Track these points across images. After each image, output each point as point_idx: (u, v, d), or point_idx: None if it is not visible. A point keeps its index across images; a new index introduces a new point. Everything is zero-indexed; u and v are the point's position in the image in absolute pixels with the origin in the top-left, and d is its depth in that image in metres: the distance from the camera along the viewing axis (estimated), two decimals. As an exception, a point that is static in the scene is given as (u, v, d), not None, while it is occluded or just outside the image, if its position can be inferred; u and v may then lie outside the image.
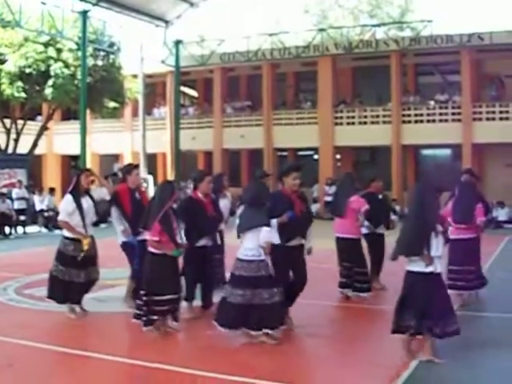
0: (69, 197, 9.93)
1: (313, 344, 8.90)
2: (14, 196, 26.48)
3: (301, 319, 9.45)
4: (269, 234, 8.32)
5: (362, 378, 7.18)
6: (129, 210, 10.23)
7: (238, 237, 8.41)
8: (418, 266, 7.52)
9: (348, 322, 10.21)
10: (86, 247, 9.78)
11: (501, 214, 28.85)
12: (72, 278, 9.86)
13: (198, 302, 10.17)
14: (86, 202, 9.98)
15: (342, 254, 11.47)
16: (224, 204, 11.19)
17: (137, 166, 10.84)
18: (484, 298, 11.62)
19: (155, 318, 8.78)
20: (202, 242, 9.84)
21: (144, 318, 8.78)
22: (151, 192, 33.31)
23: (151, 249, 8.88)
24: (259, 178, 11.13)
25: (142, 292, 8.83)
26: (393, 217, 12.48)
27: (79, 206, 9.85)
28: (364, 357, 8.05)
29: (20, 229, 26.02)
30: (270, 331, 8.30)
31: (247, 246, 8.32)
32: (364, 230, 12.02)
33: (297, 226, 8.92)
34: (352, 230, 11.41)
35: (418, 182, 8.45)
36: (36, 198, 27.99)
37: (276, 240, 8.59)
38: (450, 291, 9.91)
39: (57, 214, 25.49)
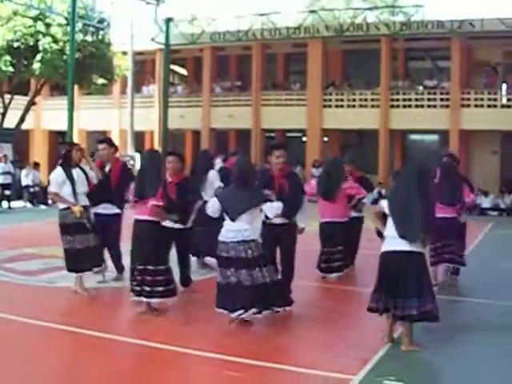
0: (59, 169, 9.96)
1: (291, 324, 8.95)
2: (-1, 170, 26.43)
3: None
4: (275, 210, 8.35)
5: (337, 358, 7.22)
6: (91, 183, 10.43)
7: (233, 220, 8.17)
8: (404, 246, 7.52)
9: (326, 303, 10.26)
10: (78, 215, 9.80)
11: (485, 202, 29.00)
12: (82, 244, 9.90)
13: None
14: (77, 174, 9.99)
15: (329, 238, 11.48)
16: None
17: (101, 141, 10.85)
18: (463, 283, 11.70)
19: (150, 289, 8.73)
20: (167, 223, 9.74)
21: (137, 289, 8.78)
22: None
23: (147, 217, 8.78)
24: (233, 155, 11.26)
25: (138, 263, 8.81)
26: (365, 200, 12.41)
27: (70, 177, 9.86)
28: (341, 337, 8.12)
29: (5, 203, 25.98)
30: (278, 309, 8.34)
31: (241, 227, 8.13)
32: (352, 213, 12.04)
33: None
34: (343, 213, 11.51)
35: (412, 165, 8.36)
36: (22, 173, 27.95)
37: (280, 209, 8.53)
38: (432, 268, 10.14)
39: (42, 188, 25.69)
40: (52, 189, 9.92)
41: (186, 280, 10.16)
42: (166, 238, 9.08)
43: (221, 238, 8.27)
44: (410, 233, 7.50)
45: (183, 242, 9.81)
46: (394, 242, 7.56)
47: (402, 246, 7.50)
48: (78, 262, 9.87)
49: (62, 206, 9.91)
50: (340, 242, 11.49)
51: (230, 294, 8.16)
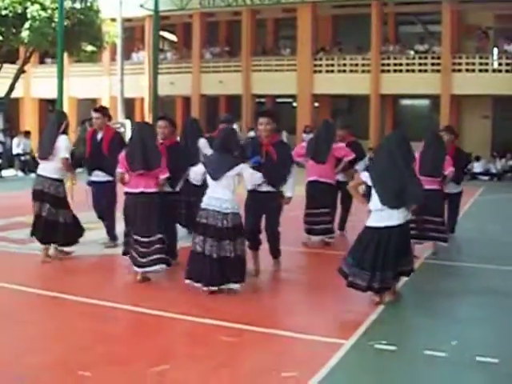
0: (65, 136, 10.10)
1: (282, 289, 9.05)
2: (-12, 139, 26.37)
3: (269, 265, 9.60)
4: (255, 176, 8.42)
5: (329, 322, 7.33)
6: (88, 151, 10.76)
7: (215, 179, 8.24)
8: (397, 219, 7.61)
9: (316, 269, 10.37)
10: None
11: (476, 166, 29.10)
12: (58, 217, 10.03)
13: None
14: None
15: (313, 197, 11.51)
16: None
17: (96, 110, 11.02)
18: (451, 247, 11.78)
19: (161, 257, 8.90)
20: None
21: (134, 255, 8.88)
22: (128, 136, 33.24)
23: (151, 189, 8.86)
24: (221, 122, 11.26)
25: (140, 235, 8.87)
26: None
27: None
28: (332, 302, 8.22)
29: (-5, 172, 26.00)
30: (233, 286, 8.31)
31: (222, 197, 8.22)
32: (340, 178, 12.06)
33: (263, 172, 8.88)
34: (330, 175, 11.52)
35: (393, 135, 8.39)
36: (14, 142, 27.87)
37: (261, 178, 8.61)
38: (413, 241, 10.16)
39: (33, 157, 25.62)
40: (66, 155, 9.99)
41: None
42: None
43: (203, 205, 8.37)
44: (395, 200, 7.57)
45: (169, 205, 9.73)
46: (380, 216, 7.62)
47: (388, 220, 7.57)
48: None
49: (58, 176, 9.96)
50: (324, 204, 11.52)
51: (198, 264, 8.24)
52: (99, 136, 10.82)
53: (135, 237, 8.84)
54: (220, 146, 8.49)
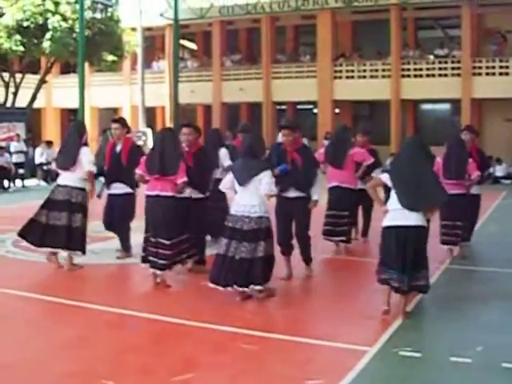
0: (88, 148, 10.23)
1: (305, 296, 9.05)
2: (12, 149, 26.52)
3: (299, 272, 9.62)
4: (270, 186, 8.40)
5: (352, 329, 7.29)
6: (107, 163, 10.72)
7: (242, 185, 8.36)
8: (407, 220, 7.58)
9: (340, 275, 10.34)
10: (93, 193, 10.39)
11: (498, 170, 28.88)
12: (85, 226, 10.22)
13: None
14: None
15: (334, 202, 11.50)
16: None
17: (115, 121, 11.02)
18: (476, 252, 11.76)
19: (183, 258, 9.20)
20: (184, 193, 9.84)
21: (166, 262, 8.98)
22: (150, 145, 33.36)
23: (170, 193, 8.98)
24: (240, 131, 11.35)
25: (167, 238, 8.95)
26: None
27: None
28: (356, 309, 8.19)
29: (19, 182, 26.14)
30: (257, 287, 8.32)
31: (250, 202, 8.32)
32: (360, 185, 12.05)
33: (290, 178, 9.01)
34: (351, 180, 11.50)
35: (413, 138, 8.44)
36: (36, 152, 28.07)
37: (274, 191, 8.64)
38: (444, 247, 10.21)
39: (55, 167, 25.76)
40: (92, 167, 10.11)
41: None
42: (185, 209, 9.33)
43: (232, 211, 8.54)
44: (414, 202, 7.56)
45: (200, 210, 9.87)
46: (396, 215, 7.61)
47: (405, 220, 7.55)
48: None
49: (82, 185, 10.06)
50: (345, 208, 11.51)
51: (224, 268, 8.30)
52: (118, 148, 10.79)
53: (153, 239, 8.94)
54: (246, 152, 8.58)
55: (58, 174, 10.51)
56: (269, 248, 8.41)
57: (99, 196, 10.98)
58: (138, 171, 9.22)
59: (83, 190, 10.10)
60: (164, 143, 9.10)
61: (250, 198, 8.34)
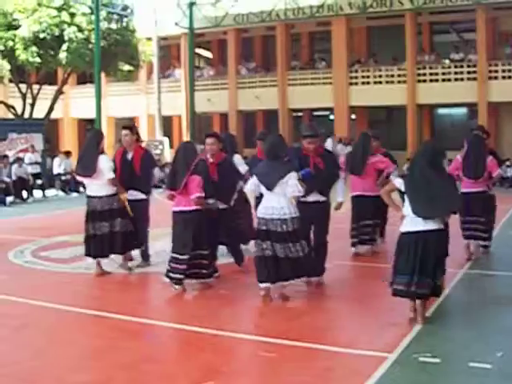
0: (106, 156, 10.33)
1: (322, 303, 9.03)
2: (26, 161, 26.64)
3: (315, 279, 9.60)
4: (297, 188, 8.44)
5: (372, 336, 7.27)
6: (117, 170, 10.61)
7: (270, 189, 8.44)
8: (424, 225, 7.55)
9: (359, 281, 10.32)
10: (125, 195, 10.50)
11: (516, 173, 28.66)
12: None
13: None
14: None
15: (359, 212, 11.58)
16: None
17: (125, 128, 11.01)
18: (494, 256, 11.71)
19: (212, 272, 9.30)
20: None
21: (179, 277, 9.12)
22: (167, 154, 33.52)
23: (190, 207, 9.08)
24: (258, 139, 11.41)
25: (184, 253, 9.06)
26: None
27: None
28: (375, 315, 8.14)
29: (37, 193, 26.28)
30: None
31: (277, 205, 8.41)
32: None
33: (313, 182, 9.04)
34: (373, 188, 11.46)
35: (426, 145, 8.42)
36: (55, 162, 28.24)
37: (301, 192, 8.67)
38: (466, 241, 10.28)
39: (73, 176, 25.96)
40: (112, 174, 10.19)
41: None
42: (210, 221, 9.44)
43: (260, 214, 8.61)
44: (427, 211, 7.53)
45: (226, 220, 9.95)
46: (414, 220, 7.58)
47: (424, 224, 7.52)
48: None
49: (112, 191, 10.22)
50: (369, 216, 11.59)
51: (269, 266, 8.44)
52: (129, 155, 10.77)
53: (173, 255, 9.10)
54: (269, 154, 8.66)
55: (77, 183, 10.63)
56: (308, 246, 8.69)
57: None
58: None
59: (114, 195, 10.27)
60: (176, 157, 9.33)
61: (277, 200, 8.43)
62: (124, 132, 10.88)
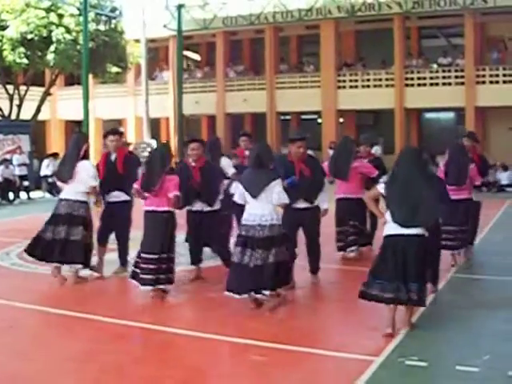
0: (89, 162, 10.16)
1: (311, 307, 9.02)
2: (14, 162, 26.56)
3: (299, 282, 9.58)
4: (282, 196, 8.43)
5: (359, 340, 7.24)
6: (101, 173, 10.45)
7: (254, 197, 8.37)
8: (415, 229, 7.52)
9: (347, 285, 10.28)
10: (100, 205, 10.39)
11: (503, 178, 28.74)
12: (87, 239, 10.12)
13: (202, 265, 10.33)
14: None
15: (344, 214, 11.54)
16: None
17: (114, 133, 10.76)
18: (480, 261, 11.74)
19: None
20: (196, 207, 9.91)
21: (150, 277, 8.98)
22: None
23: (165, 208, 9.04)
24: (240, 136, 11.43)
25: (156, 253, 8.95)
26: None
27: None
28: (362, 319, 8.12)
29: (23, 194, 26.18)
30: (266, 292, 8.34)
31: (261, 211, 8.36)
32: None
33: (299, 190, 9.04)
34: (357, 190, 11.46)
35: (409, 150, 8.37)
36: (44, 164, 28.15)
37: (287, 200, 8.63)
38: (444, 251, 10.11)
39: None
40: (95, 182, 10.03)
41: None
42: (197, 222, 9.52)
43: (243, 221, 8.56)
44: (409, 219, 7.46)
45: (211, 224, 9.88)
46: (394, 225, 7.53)
47: (406, 229, 7.45)
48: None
49: (85, 198, 10.06)
50: (353, 218, 11.54)
51: (239, 276, 8.32)
52: (113, 157, 10.61)
53: (142, 255, 9.01)
54: (255, 162, 8.61)
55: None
56: (281, 254, 8.42)
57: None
58: (135, 186, 9.30)
59: (84, 202, 10.02)
60: (152, 158, 9.36)
61: (261, 207, 8.37)
62: (113, 138, 10.60)
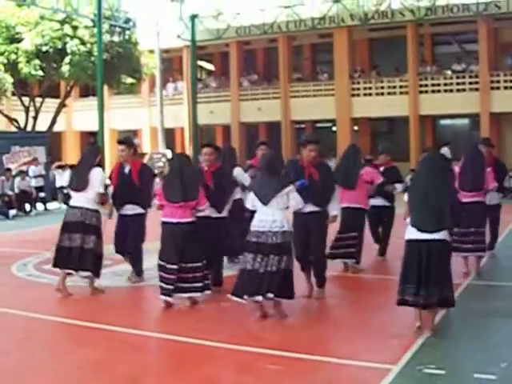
0: (100, 169, 10.10)
1: (324, 314, 9.02)
2: (30, 174, 26.69)
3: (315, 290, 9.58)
4: (299, 200, 8.49)
5: (375, 348, 7.23)
6: (114, 184, 10.55)
7: (265, 204, 8.38)
8: (436, 234, 7.54)
9: (359, 293, 10.27)
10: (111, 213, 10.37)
11: (519, 183, 28.50)
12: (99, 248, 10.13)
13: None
14: None
15: (344, 223, 11.48)
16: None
17: (120, 143, 10.79)
18: (498, 267, 11.68)
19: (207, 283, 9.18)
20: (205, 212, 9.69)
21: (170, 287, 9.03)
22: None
23: (190, 219, 9.08)
24: (257, 146, 11.40)
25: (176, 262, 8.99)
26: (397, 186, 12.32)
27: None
28: (378, 327, 8.10)
29: (40, 205, 26.29)
30: (270, 295, 8.30)
31: (272, 218, 8.34)
32: (375, 202, 12.06)
33: (308, 193, 9.02)
34: (362, 200, 11.47)
35: (430, 156, 8.40)
36: (58, 175, 28.27)
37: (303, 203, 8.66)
38: (455, 254, 10.08)
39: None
40: (102, 189, 10.02)
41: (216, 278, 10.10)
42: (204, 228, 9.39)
43: (253, 227, 8.51)
44: (425, 224, 7.52)
45: (218, 230, 9.82)
46: (414, 230, 7.60)
47: (428, 234, 7.52)
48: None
49: (96, 207, 10.05)
50: (353, 229, 11.41)
51: (247, 281, 8.32)
52: (127, 169, 10.60)
53: (168, 266, 9.01)
54: (266, 169, 8.60)
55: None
56: (290, 263, 8.45)
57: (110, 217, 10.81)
58: (157, 201, 9.34)
59: (96, 211, 10.02)
60: (183, 169, 9.20)
61: (271, 213, 8.36)
62: (120, 147, 10.67)
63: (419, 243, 7.56)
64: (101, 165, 10.25)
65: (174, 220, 9.04)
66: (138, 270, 10.88)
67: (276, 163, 8.67)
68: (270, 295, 8.23)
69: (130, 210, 10.55)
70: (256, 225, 8.47)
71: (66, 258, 9.91)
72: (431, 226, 7.53)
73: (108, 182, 10.58)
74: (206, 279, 9.16)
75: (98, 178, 9.95)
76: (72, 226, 9.92)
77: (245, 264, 8.43)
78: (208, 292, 9.19)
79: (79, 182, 10.03)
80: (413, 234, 7.65)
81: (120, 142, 10.82)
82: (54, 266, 10.13)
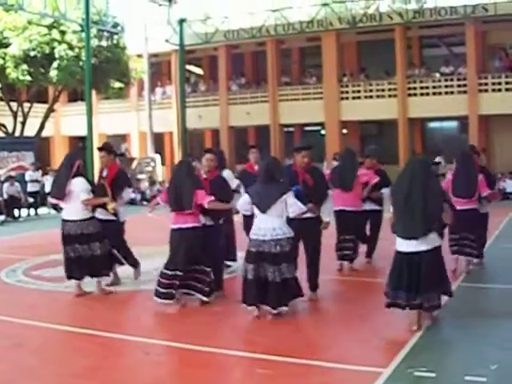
0: (81, 178, 10.06)
1: (316, 318, 8.99)
2: (27, 178, 26.65)
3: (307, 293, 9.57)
4: (299, 206, 8.47)
5: (366, 351, 7.23)
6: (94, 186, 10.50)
7: (263, 212, 8.40)
8: (425, 245, 7.57)
9: (350, 296, 10.26)
10: (112, 205, 10.26)
11: (509, 186, 28.65)
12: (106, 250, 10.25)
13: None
14: None
15: (344, 225, 11.55)
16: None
17: (100, 149, 10.85)
18: (487, 269, 11.69)
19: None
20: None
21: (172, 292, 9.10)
22: (159, 171, 33.52)
23: (193, 223, 9.10)
24: (250, 148, 11.44)
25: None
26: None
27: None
28: (368, 330, 8.10)
29: (32, 211, 26.25)
30: (285, 308, 8.41)
31: (271, 225, 8.35)
32: (368, 206, 12.08)
33: (302, 199, 9.02)
34: (355, 202, 11.57)
35: (412, 161, 8.43)
36: (47, 180, 28.21)
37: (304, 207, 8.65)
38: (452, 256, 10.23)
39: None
40: (86, 196, 9.95)
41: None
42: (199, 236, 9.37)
43: (252, 235, 8.53)
44: (407, 231, 7.54)
45: (213, 238, 9.73)
46: (402, 240, 7.63)
47: (416, 245, 7.53)
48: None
49: (85, 216, 10.03)
50: (350, 231, 11.58)
51: (257, 289, 8.35)
52: (104, 173, 10.68)
53: (163, 270, 9.07)
54: (265, 176, 8.59)
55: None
56: (293, 270, 8.55)
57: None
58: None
59: (90, 219, 10.06)
60: (177, 178, 9.28)
61: (271, 221, 8.37)
62: (100, 154, 10.79)
63: (409, 256, 7.58)
64: (81, 173, 10.13)
65: (176, 226, 9.14)
66: (131, 263, 10.93)
67: (275, 169, 8.64)
68: (285, 308, 8.40)
69: (103, 214, 10.48)
70: (255, 233, 8.48)
71: (79, 268, 10.04)
72: (416, 231, 7.53)
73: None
74: (211, 286, 9.22)
75: (79, 188, 9.96)
76: (72, 238, 9.99)
77: (248, 274, 8.45)
78: (212, 298, 9.25)
79: (58, 191, 10.14)
80: (402, 245, 7.66)
81: (100, 149, 10.91)
82: (69, 278, 10.21)
